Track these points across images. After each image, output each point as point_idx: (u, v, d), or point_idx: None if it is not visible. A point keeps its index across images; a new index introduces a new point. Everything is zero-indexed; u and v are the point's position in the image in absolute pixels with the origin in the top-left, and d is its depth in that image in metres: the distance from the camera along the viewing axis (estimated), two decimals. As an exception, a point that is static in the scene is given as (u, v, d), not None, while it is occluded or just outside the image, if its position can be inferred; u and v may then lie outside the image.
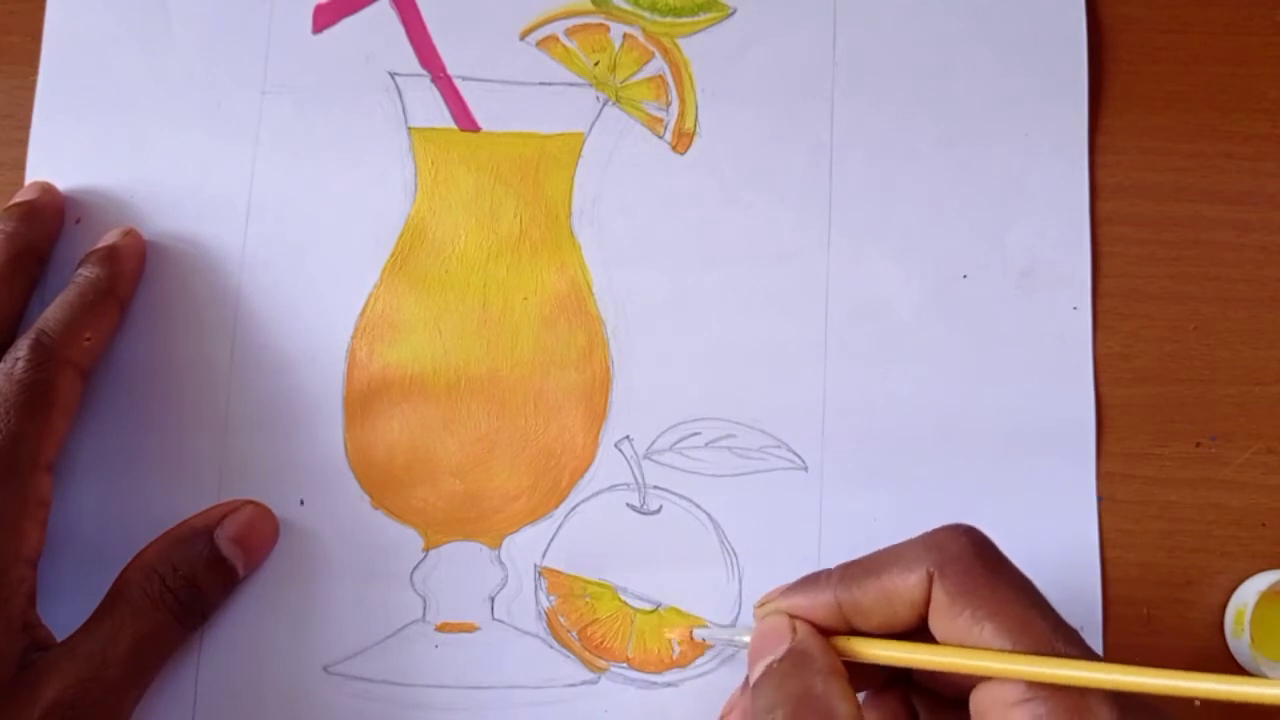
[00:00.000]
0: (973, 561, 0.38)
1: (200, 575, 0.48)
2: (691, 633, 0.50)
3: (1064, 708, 0.35)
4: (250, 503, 0.50)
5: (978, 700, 0.38)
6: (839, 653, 0.40)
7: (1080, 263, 0.54)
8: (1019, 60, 0.55)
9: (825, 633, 0.41)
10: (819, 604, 0.41)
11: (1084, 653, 0.36)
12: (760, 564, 0.51)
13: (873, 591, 0.39)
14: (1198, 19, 0.57)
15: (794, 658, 0.40)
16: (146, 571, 0.47)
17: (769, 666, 0.40)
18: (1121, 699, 0.35)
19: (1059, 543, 0.52)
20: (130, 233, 0.52)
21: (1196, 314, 0.54)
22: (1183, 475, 0.53)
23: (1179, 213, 0.55)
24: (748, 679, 0.41)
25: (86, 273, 0.50)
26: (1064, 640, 0.36)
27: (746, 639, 0.44)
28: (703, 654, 0.50)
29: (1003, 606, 0.37)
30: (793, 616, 0.41)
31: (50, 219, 0.52)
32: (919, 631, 0.39)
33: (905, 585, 0.38)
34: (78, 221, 0.53)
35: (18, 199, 0.51)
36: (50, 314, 0.48)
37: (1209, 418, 0.53)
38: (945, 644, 0.38)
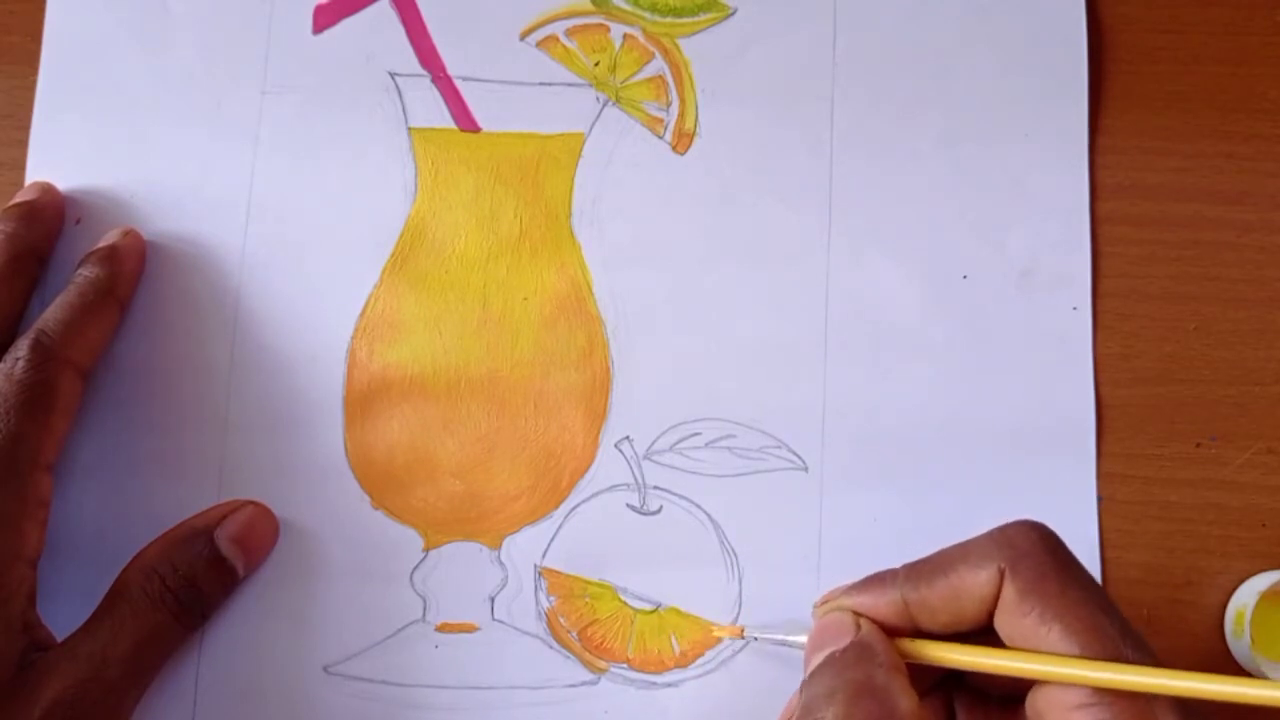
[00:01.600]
0: (1044, 559, 0.38)
1: (200, 575, 0.47)
2: (743, 630, 0.49)
3: (1129, 715, 0.35)
4: (250, 503, 0.50)
5: (1037, 701, 0.37)
6: (905, 654, 0.40)
7: (1080, 263, 0.54)
8: (1019, 60, 0.55)
9: (888, 633, 0.40)
10: (884, 603, 0.40)
11: (1151, 659, 0.36)
12: (760, 564, 0.51)
13: (941, 589, 0.39)
14: (1198, 19, 0.56)
15: (857, 649, 0.39)
16: (146, 572, 0.47)
17: (830, 655, 0.39)
18: (1186, 706, 0.35)
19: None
20: (130, 233, 0.52)
21: (1196, 314, 0.54)
22: (1183, 475, 0.52)
23: (1179, 213, 0.55)
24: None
25: (86, 273, 0.50)
26: (1132, 646, 0.36)
27: (801, 639, 0.44)
28: (704, 654, 0.50)
29: (1072, 608, 0.37)
30: (856, 614, 0.41)
31: (50, 219, 0.52)
32: (982, 631, 0.39)
33: (975, 582, 0.38)
34: (78, 222, 0.53)
35: (18, 199, 0.51)
36: (50, 314, 0.48)
37: (1209, 418, 0.53)
38: (1010, 643, 0.38)
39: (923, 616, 0.40)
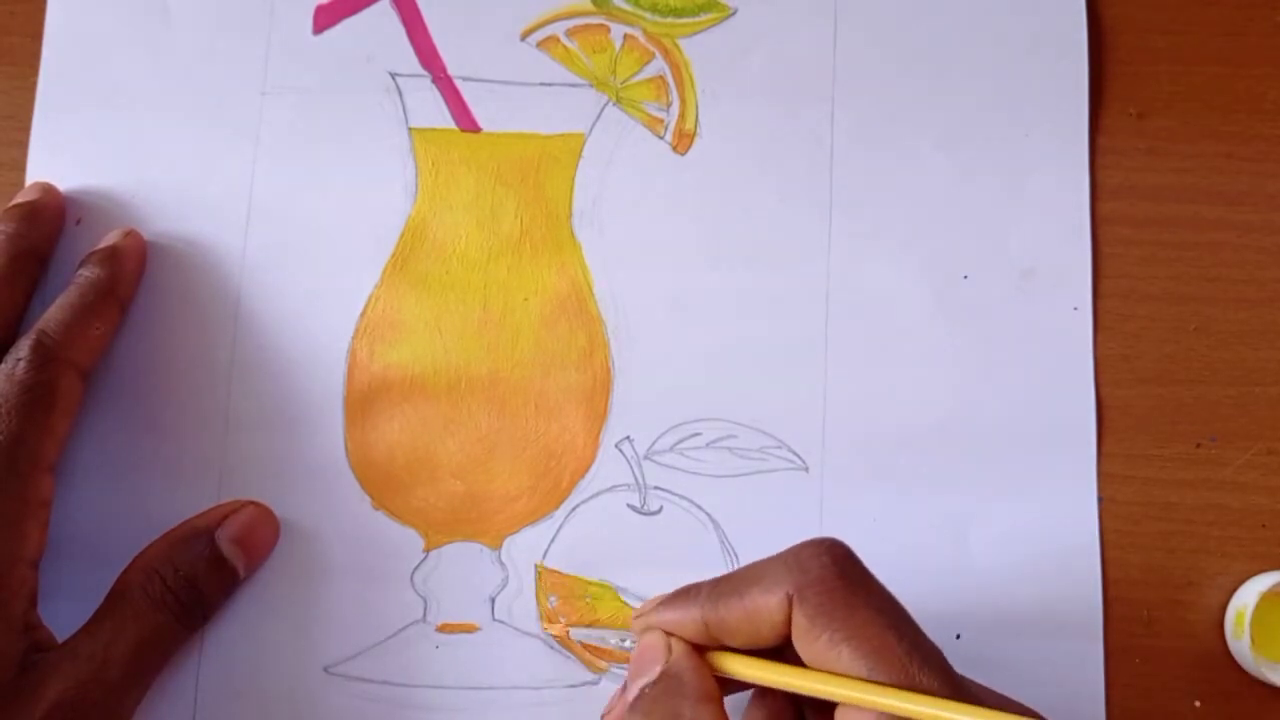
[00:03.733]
0: (833, 582, 0.37)
1: (201, 576, 0.47)
2: (568, 631, 0.50)
3: None
4: (251, 503, 0.50)
5: (840, 718, 0.37)
6: (713, 669, 0.40)
7: (1081, 264, 0.53)
8: (1020, 60, 0.55)
9: (701, 648, 0.40)
10: (688, 620, 0.40)
11: (941, 678, 0.36)
12: (761, 565, 0.50)
13: (736, 611, 0.39)
14: (1198, 20, 0.56)
15: (666, 682, 0.39)
16: (147, 572, 0.46)
17: (641, 690, 0.40)
18: None
19: (1059, 544, 0.51)
20: (131, 233, 0.51)
21: (1197, 315, 0.54)
22: (1183, 476, 0.52)
23: (1179, 214, 0.55)
24: (625, 686, 0.42)
25: (87, 273, 0.49)
26: (920, 664, 0.36)
27: (614, 642, 0.46)
28: None
29: (860, 629, 0.37)
30: (669, 633, 0.41)
31: (51, 220, 0.51)
32: (788, 647, 0.39)
33: (767, 607, 0.38)
34: (78, 222, 0.53)
35: (19, 200, 0.51)
36: (51, 315, 0.48)
37: (1209, 418, 0.53)
38: (808, 663, 0.38)
39: (722, 636, 0.40)
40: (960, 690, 0.36)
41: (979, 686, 0.39)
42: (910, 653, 0.36)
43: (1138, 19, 0.56)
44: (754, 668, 0.39)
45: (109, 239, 0.51)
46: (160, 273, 0.52)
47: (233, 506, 0.49)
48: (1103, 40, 0.56)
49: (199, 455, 0.51)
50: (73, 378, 0.47)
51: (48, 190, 0.52)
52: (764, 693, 0.41)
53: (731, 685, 0.41)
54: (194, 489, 0.50)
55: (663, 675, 0.40)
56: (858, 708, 0.36)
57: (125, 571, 0.47)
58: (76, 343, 0.47)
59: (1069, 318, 0.53)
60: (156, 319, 0.52)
